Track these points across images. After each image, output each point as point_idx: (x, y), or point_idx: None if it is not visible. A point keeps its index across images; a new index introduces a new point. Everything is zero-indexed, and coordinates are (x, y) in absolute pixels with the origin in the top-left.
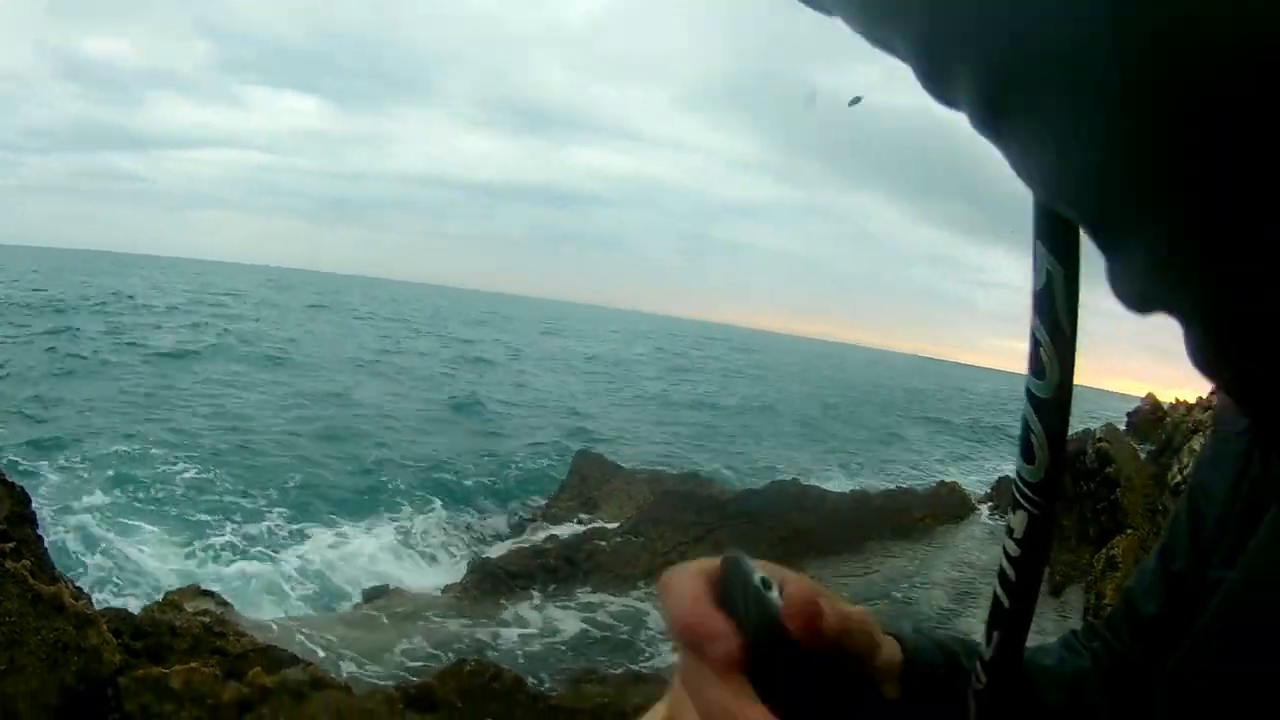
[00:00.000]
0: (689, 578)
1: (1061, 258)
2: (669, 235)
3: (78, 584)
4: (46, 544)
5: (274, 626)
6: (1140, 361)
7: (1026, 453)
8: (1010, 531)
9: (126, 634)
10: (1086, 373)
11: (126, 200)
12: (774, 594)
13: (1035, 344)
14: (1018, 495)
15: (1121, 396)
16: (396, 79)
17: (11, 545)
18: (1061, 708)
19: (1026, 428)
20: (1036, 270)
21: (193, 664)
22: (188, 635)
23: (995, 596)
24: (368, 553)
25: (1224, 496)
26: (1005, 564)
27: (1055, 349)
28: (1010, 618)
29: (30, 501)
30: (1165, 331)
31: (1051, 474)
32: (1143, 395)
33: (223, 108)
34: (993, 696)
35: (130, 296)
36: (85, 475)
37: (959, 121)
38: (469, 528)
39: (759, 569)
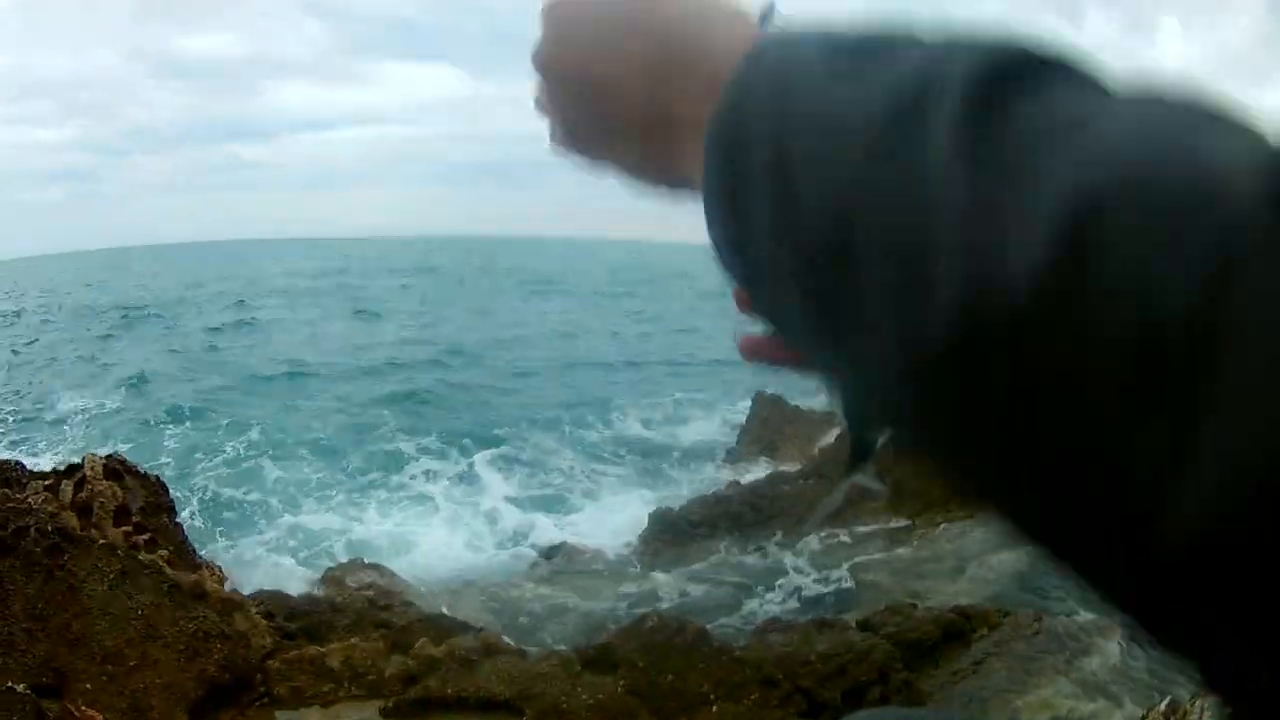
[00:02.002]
0: None
1: None
2: None
3: (240, 553)
4: (203, 515)
5: (445, 594)
6: None
7: None
8: None
9: (281, 615)
10: None
11: (255, 188)
12: None
13: None
14: None
15: None
16: (527, 38)
17: (146, 536)
18: None
19: None
20: None
21: (353, 640)
22: (349, 611)
23: None
24: (542, 506)
25: None
26: None
27: None
28: None
29: (168, 490)
30: None
31: None
32: None
33: (350, 87)
34: None
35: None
36: (237, 440)
37: (1087, 47)
38: (645, 474)
39: None
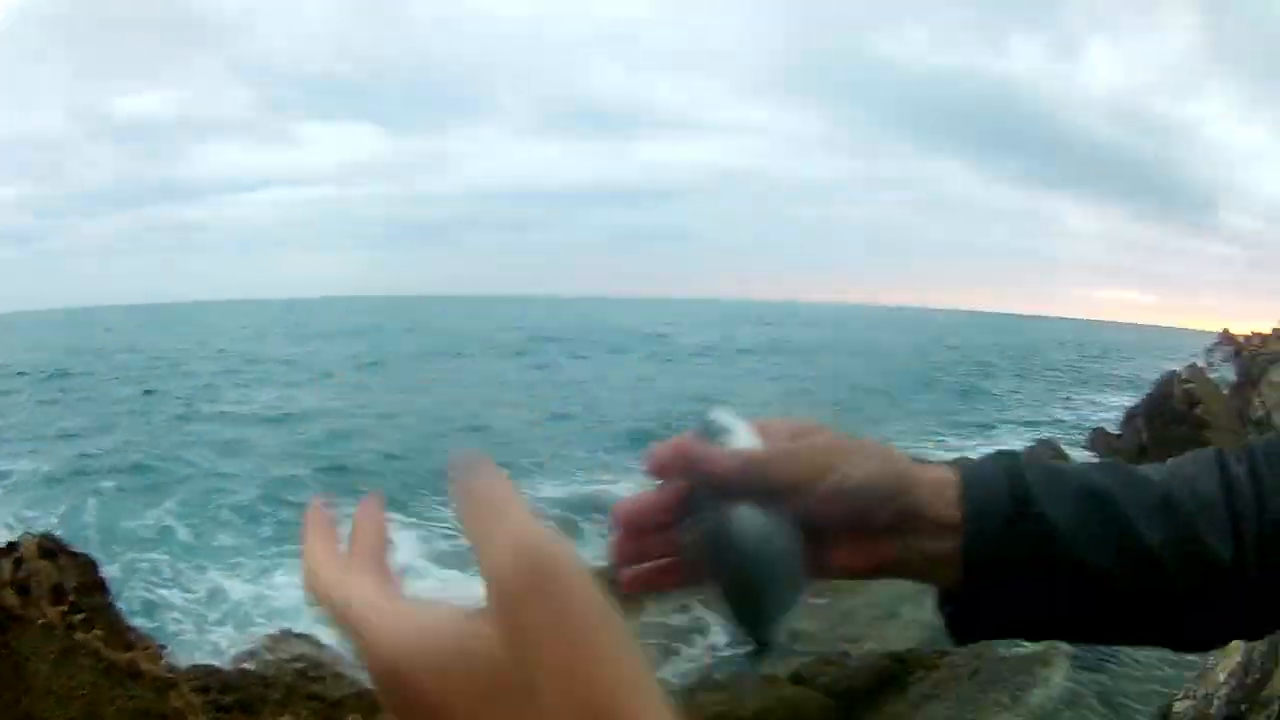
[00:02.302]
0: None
1: None
2: (747, 220)
3: (167, 624)
4: (124, 580)
5: None
6: (1210, 296)
7: None
8: None
9: (215, 689)
10: (1160, 313)
11: (188, 250)
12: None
13: None
14: None
15: (1196, 333)
16: (450, 98)
17: (81, 616)
18: (1227, 570)
19: None
20: None
21: (285, 716)
22: (280, 684)
23: None
24: (460, 566)
25: None
26: None
27: None
28: None
29: (99, 569)
30: (1234, 264)
31: None
32: (1217, 330)
33: (277, 147)
34: None
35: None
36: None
37: (1013, 74)
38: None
39: (738, 431)
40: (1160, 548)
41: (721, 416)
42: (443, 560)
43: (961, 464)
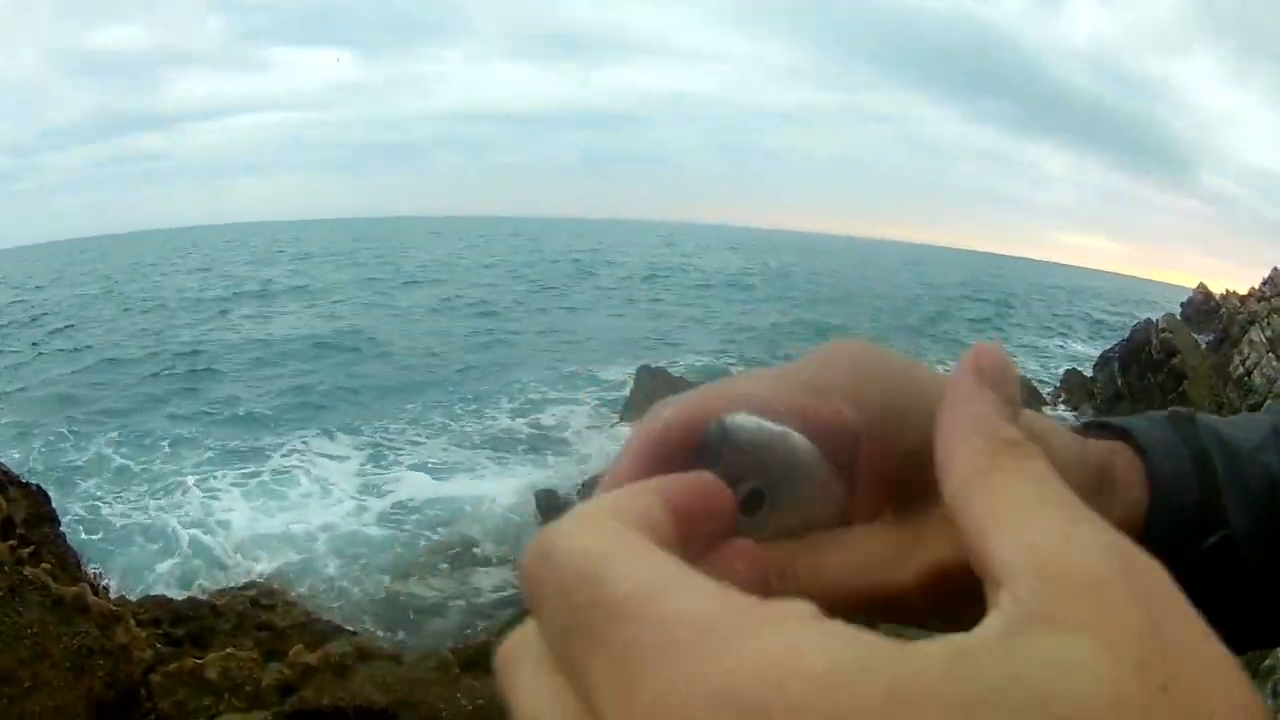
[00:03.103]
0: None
1: None
2: (712, 147)
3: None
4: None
5: (327, 587)
6: (1185, 252)
7: None
8: None
9: (166, 621)
10: (1133, 263)
11: (156, 179)
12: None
13: None
14: None
15: (1169, 287)
16: (421, 21)
17: (30, 549)
18: None
19: None
20: None
21: (229, 650)
22: (231, 614)
23: None
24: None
25: None
26: None
27: None
28: None
29: (49, 500)
30: (1211, 224)
31: None
32: (1191, 286)
33: (247, 74)
34: None
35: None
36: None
37: (1003, 21)
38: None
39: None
40: None
41: (752, 437)
42: (403, 485)
43: (1143, 443)
